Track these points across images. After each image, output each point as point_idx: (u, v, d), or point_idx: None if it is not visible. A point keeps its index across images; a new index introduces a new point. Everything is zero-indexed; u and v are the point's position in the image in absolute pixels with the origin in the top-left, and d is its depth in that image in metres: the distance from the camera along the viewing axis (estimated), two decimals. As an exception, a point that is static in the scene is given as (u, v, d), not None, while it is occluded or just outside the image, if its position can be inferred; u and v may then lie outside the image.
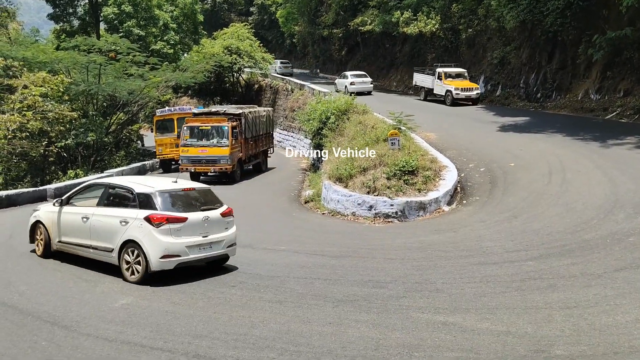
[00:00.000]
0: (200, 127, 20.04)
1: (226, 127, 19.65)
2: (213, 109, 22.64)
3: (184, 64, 32.12)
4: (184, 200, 8.40)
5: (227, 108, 22.38)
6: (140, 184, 8.54)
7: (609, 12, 22.28)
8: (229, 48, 37.35)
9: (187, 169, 19.64)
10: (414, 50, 37.62)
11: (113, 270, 8.29)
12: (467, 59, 32.76)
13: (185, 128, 20.15)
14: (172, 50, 36.80)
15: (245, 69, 40.78)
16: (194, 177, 19.30)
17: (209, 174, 20.31)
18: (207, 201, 8.68)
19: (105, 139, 24.27)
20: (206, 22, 51.17)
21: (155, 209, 7.95)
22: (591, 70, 23.53)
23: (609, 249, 8.58)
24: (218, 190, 10.11)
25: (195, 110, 22.93)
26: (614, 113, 20.83)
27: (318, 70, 50.48)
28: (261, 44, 42.49)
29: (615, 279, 7.29)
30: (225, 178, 20.12)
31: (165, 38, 37.14)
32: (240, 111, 21.00)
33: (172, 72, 28.96)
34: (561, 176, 13.45)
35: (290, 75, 42.65)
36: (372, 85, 32.65)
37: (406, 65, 39.14)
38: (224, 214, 8.59)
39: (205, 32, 46.73)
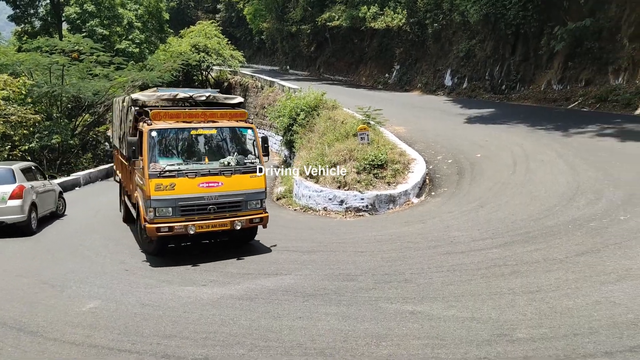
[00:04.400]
0: (193, 134, 9.35)
1: (248, 133, 9.77)
2: (183, 93, 10.60)
3: (150, 63, 31.65)
4: None
5: (209, 92, 10.76)
6: None
7: (569, 4, 22.85)
8: (197, 46, 37.00)
9: (161, 236, 8.97)
10: (382, 45, 37.88)
11: (80, 273, 8.12)
12: (434, 53, 33.17)
13: (152, 135, 9.02)
14: (137, 50, 36.19)
15: (214, 67, 40.43)
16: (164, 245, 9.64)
17: None
18: None
19: (71, 142, 23.77)
20: (172, 20, 50.41)
21: None
22: (553, 61, 24.11)
23: (570, 234, 8.85)
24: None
25: (164, 94, 10.48)
26: (576, 102, 21.40)
27: (288, 67, 50.37)
28: (229, 42, 42.18)
29: (576, 263, 7.53)
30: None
31: (130, 37, 36.49)
32: (240, 99, 10.78)
33: (138, 72, 28.52)
34: (525, 166, 13.79)
35: None
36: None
37: (375, 60, 39.39)
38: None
39: (171, 31, 46.09)
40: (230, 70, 40.27)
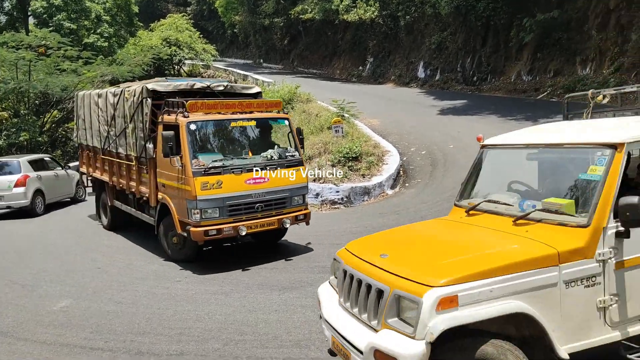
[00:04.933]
0: (233, 126, 8.76)
1: (285, 124, 9.30)
2: (200, 82, 9.71)
3: (120, 57, 31.06)
4: None
5: (226, 82, 10.49)
6: None
7: (537, -4, 23.23)
8: (168, 40, 36.41)
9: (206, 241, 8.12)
10: (355, 37, 37.92)
11: (51, 272, 7.97)
12: (407, 45, 33.36)
13: (190, 129, 8.21)
14: (106, 44, 35.47)
15: (186, 61, 39.92)
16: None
17: None
18: None
19: (40, 139, 23.22)
20: (142, 14, 49.56)
21: None
22: (522, 52, 24.49)
23: (540, 222, 9.03)
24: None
25: (180, 83, 9.48)
26: (545, 93, 21.81)
27: (261, 60, 50.07)
28: (201, 35, 41.65)
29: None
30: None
31: (98, 31, 35.73)
32: (258, 89, 10.45)
33: (107, 66, 27.93)
34: (497, 155, 14.00)
35: None
36: None
37: (348, 53, 39.44)
38: None
39: (141, 24, 45.28)
40: (202, 64, 39.82)
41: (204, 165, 7.87)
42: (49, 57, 25.19)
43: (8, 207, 13.93)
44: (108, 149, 10.88)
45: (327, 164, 13.80)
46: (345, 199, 13.02)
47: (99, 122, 11.25)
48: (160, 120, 8.65)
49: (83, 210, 14.54)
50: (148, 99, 8.89)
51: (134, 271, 8.39)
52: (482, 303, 3.40)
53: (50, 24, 33.42)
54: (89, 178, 12.85)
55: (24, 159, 14.72)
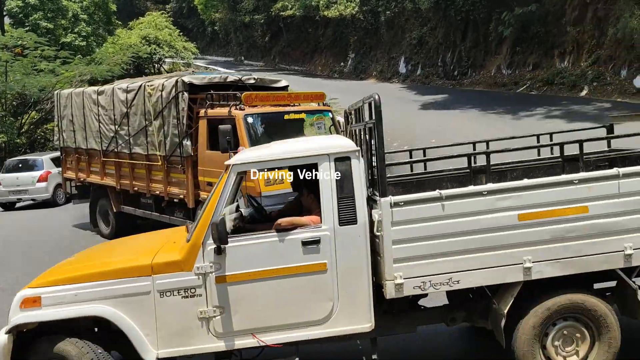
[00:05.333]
0: (286, 119, 8.61)
1: (329, 116, 9.20)
2: (232, 76, 9.76)
3: (98, 57, 30.66)
4: None
5: (255, 75, 10.21)
6: None
7: (515, -10, 23.45)
8: (147, 38, 36.01)
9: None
10: (337, 33, 37.94)
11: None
12: (388, 41, 33.47)
13: (248, 122, 8.06)
14: (84, 43, 34.95)
15: (167, 59, 39.55)
16: None
17: None
18: None
19: (18, 140, 22.88)
20: (120, 12, 48.90)
21: None
22: (502, 46, 24.74)
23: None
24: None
25: (215, 76, 9.62)
26: (525, 86, 22.09)
27: (243, 58, 49.84)
28: (181, 33, 41.28)
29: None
30: None
31: (76, 30, 35.18)
32: (285, 82, 10.33)
33: (85, 66, 27.57)
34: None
35: None
36: None
37: (330, 49, 39.45)
38: None
39: (119, 23, 44.69)
40: (183, 63, 39.48)
41: None
42: (26, 57, 24.79)
43: (32, 199, 16.28)
44: (115, 150, 10.21)
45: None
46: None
47: (100, 122, 10.53)
48: (202, 114, 8.24)
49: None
50: (184, 92, 8.47)
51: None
52: (66, 305, 3.96)
53: (27, 24, 32.82)
54: (77, 184, 11.90)
55: (46, 157, 16.67)
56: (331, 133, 8.67)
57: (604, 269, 4.01)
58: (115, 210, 10.62)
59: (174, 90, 8.60)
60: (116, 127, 10.10)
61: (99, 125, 10.56)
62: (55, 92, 13.28)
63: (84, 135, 11.11)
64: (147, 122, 9.27)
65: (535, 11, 21.71)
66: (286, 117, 8.32)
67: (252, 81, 9.32)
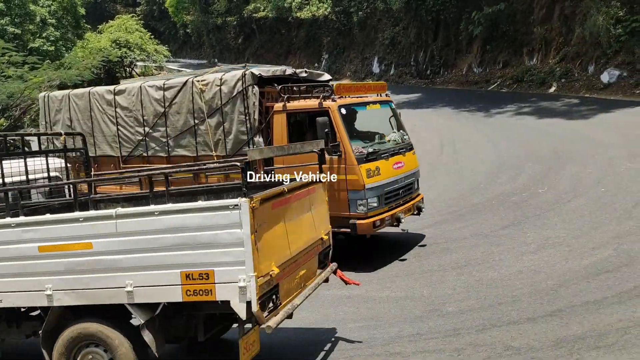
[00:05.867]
0: (368, 109, 8.54)
1: (393, 106, 8.99)
2: (290, 69, 9.32)
3: (68, 61, 30.08)
4: None
5: (305, 69, 10.00)
6: None
7: (484, -11, 23.82)
8: (117, 41, 35.51)
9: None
10: (310, 34, 37.96)
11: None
12: (361, 41, 33.64)
13: (342, 113, 7.68)
14: (53, 47, 34.30)
15: (138, 63, 39.06)
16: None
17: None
18: None
19: (-14, 148, 22.25)
20: (89, 15, 48.08)
21: None
22: (472, 45, 25.11)
23: (494, 210, 9.33)
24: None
25: (277, 69, 9.03)
26: (495, 84, 22.45)
27: (216, 60, 49.44)
28: (153, 36, 40.81)
29: (500, 236, 7.95)
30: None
31: (44, 35, 34.50)
32: (328, 76, 10.10)
33: (55, 71, 27.01)
34: (452, 147, 14.35)
35: None
36: None
37: (303, 50, 39.45)
38: None
39: (89, 26, 44.00)
40: (155, 66, 39.06)
41: (363, 151, 7.35)
42: (-8, 63, 24.15)
43: None
44: (144, 154, 9.13)
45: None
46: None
47: (120, 125, 9.38)
48: (279, 108, 7.75)
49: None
50: (254, 86, 7.89)
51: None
52: None
53: (-7, 29, 32.07)
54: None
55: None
56: (391, 124, 8.60)
57: (113, 302, 4.27)
58: None
59: (239, 84, 8.00)
60: (146, 128, 9.06)
61: (118, 129, 9.43)
62: (41, 94, 11.33)
63: (91, 142, 9.56)
64: (197, 121, 8.49)
65: (504, 10, 22.11)
66: (368, 107, 8.21)
67: (304, 74, 8.92)
